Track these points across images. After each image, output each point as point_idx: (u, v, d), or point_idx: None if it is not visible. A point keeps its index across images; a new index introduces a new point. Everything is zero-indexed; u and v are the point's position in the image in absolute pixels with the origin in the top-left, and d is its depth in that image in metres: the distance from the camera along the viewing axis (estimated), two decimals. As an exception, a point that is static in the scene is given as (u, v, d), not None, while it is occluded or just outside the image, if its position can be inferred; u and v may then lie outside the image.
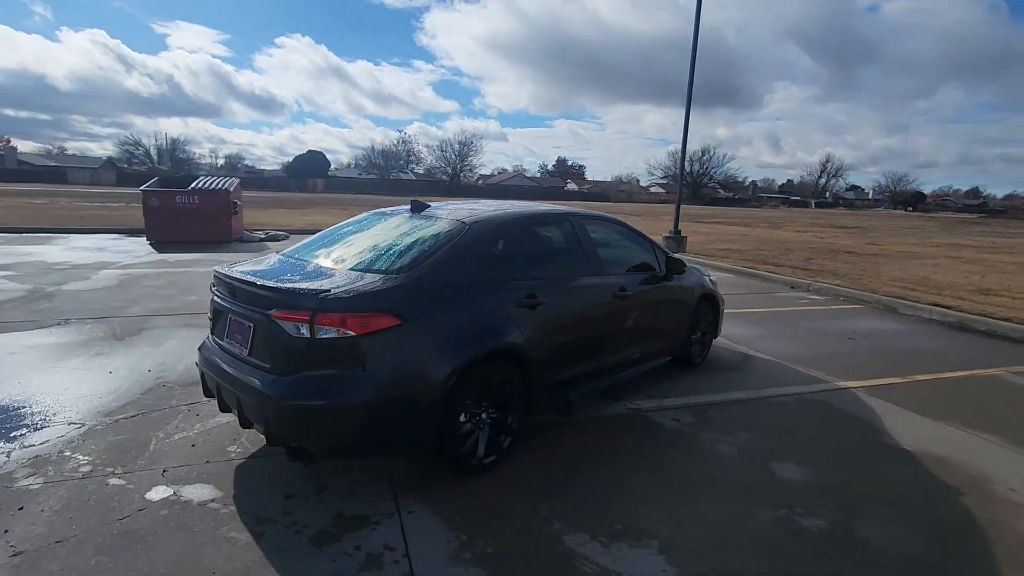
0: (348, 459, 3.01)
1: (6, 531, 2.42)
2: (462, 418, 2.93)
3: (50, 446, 3.16)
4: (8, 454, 3.06)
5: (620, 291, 3.96)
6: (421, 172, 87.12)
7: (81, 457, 3.06)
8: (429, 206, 3.66)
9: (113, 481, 2.84)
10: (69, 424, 3.44)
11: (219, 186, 13.72)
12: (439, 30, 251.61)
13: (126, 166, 76.02)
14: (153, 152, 78.59)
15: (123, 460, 3.05)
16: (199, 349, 3.25)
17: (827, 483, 3.18)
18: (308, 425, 2.56)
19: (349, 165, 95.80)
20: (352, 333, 2.54)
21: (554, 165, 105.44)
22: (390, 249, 3.08)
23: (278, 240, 14.55)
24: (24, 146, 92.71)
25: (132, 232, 14.15)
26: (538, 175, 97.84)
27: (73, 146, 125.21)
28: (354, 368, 2.56)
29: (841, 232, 25.35)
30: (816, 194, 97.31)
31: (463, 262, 3.06)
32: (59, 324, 5.65)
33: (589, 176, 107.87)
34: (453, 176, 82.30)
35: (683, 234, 14.22)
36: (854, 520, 2.80)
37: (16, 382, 4.09)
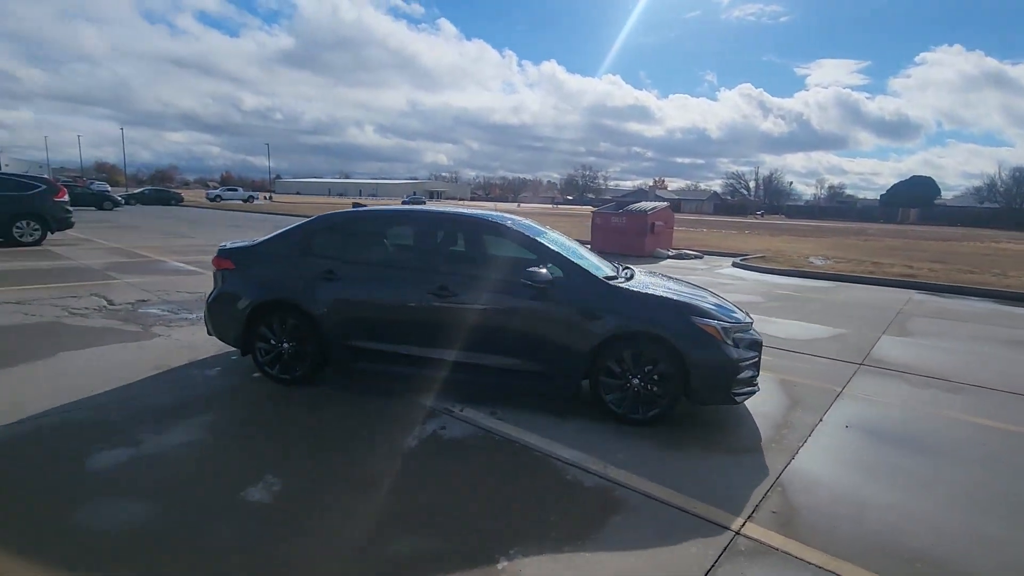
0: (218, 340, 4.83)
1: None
2: (272, 341, 4.47)
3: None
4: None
5: (439, 289, 4.09)
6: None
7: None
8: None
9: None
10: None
11: (643, 209, 16.10)
12: None
13: (729, 198, 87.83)
14: (751, 185, 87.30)
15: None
16: None
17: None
18: (205, 315, 4.85)
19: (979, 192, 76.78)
20: (215, 268, 4.67)
21: None
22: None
23: (686, 259, 15.62)
24: (673, 184, 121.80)
25: (582, 243, 18.58)
26: None
27: (713, 183, 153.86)
28: (217, 287, 4.68)
29: None
30: None
31: (286, 241, 4.54)
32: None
33: None
34: None
35: None
36: None
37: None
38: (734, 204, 78.89)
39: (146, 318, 6.58)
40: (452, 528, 2.69)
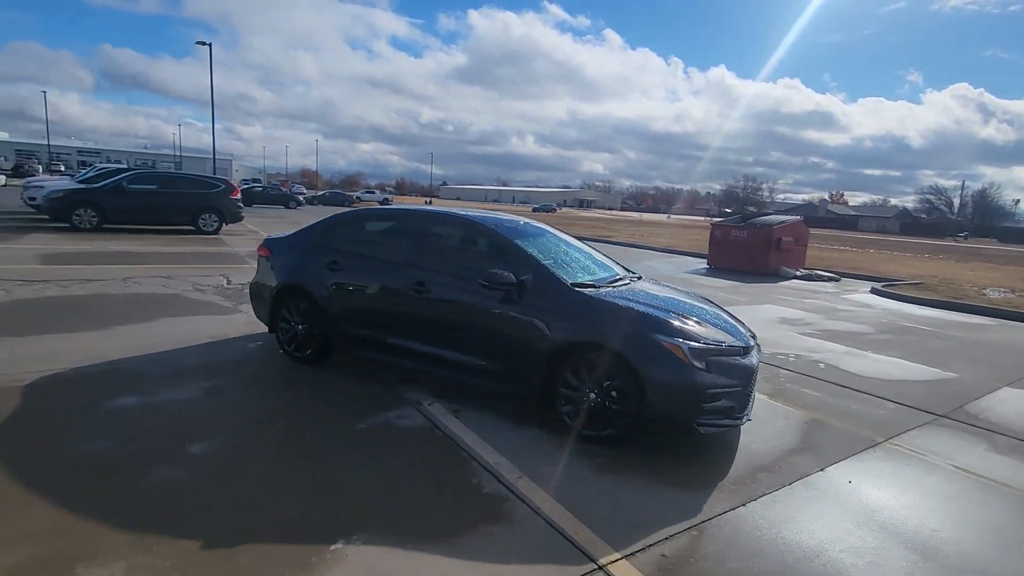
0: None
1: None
2: (291, 322, 5.00)
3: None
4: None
5: (417, 285, 4.24)
6: None
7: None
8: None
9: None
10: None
11: (768, 223, 14.60)
12: None
13: (923, 216, 75.04)
14: (955, 201, 73.63)
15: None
16: None
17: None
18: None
19: None
20: (259, 255, 5.34)
21: None
22: (313, 222, 5.41)
23: (816, 280, 13.85)
24: (857, 198, 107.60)
25: (693, 254, 17.37)
26: None
27: (907, 199, 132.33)
28: (257, 272, 5.34)
29: None
30: None
31: (309, 233, 5.04)
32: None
33: None
34: None
35: None
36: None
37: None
38: (928, 223, 66.62)
39: (243, 297, 7.69)
40: (327, 505, 2.82)
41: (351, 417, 3.91)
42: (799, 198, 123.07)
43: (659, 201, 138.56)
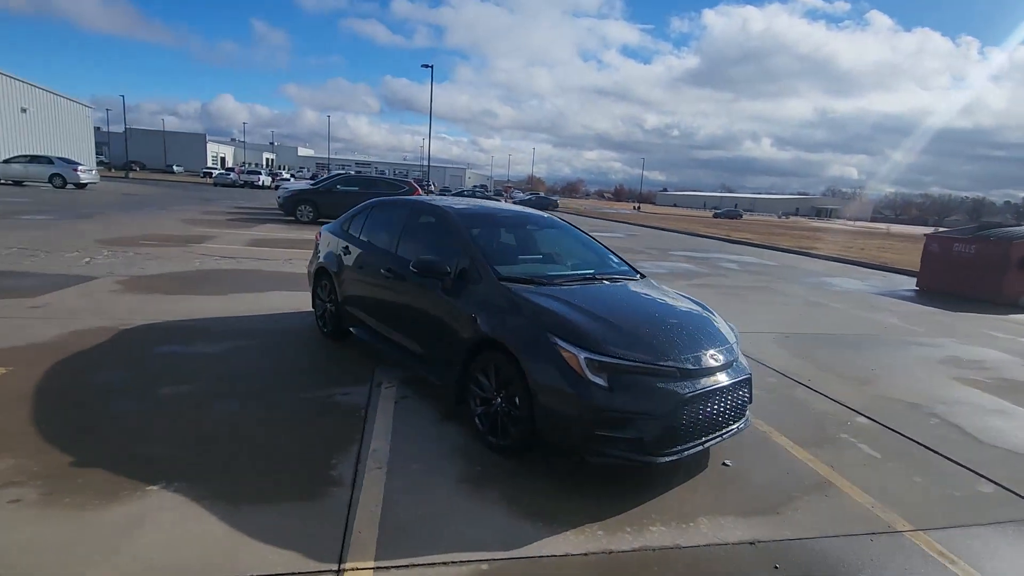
0: None
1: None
2: (321, 300, 5.55)
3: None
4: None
5: (387, 270, 4.34)
6: None
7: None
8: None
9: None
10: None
11: (1007, 236, 10.98)
12: None
13: None
14: None
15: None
16: None
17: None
18: None
19: None
20: (315, 240, 6.00)
21: None
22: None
23: (1082, 318, 9.99)
24: None
25: (912, 274, 13.72)
26: None
27: None
28: (313, 254, 6.01)
29: None
30: None
31: (340, 222, 5.47)
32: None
33: None
34: None
35: None
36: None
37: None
38: None
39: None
40: (192, 452, 3.10)
41: (308, 386, 4.20)
42: None
43: (928, 212, 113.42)
